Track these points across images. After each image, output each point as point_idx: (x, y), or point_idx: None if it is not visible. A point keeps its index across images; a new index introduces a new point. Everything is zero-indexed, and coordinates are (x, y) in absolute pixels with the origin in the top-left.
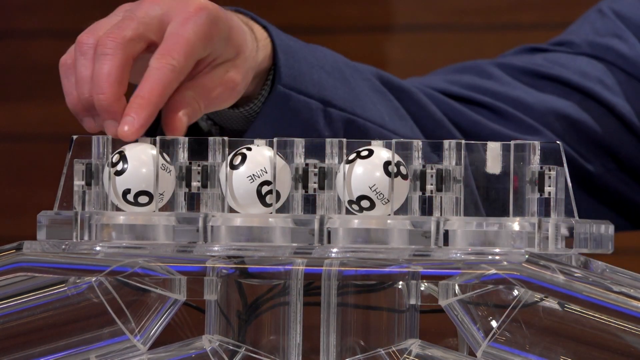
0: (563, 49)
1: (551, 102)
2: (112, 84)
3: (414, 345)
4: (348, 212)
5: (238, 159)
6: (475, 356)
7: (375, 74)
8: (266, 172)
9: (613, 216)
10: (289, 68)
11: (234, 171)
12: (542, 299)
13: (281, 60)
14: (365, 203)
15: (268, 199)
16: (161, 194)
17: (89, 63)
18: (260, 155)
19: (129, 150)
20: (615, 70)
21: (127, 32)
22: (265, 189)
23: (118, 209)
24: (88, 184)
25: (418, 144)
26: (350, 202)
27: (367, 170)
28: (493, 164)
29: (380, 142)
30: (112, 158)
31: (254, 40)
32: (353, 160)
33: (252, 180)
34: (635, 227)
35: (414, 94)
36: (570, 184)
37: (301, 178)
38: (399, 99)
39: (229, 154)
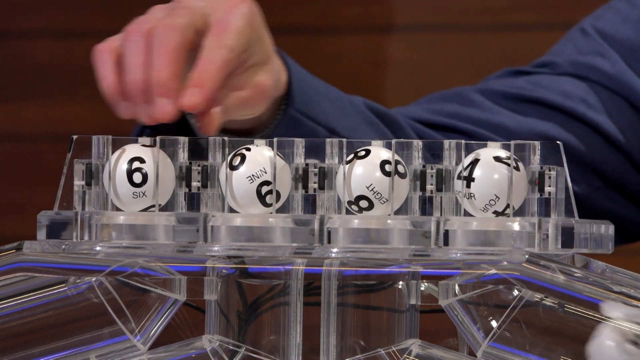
0: (546, 70)
1: (533, 124)
2: (171, 62)
3: (414, 345)
4: (348, 212)
5: (237, 160)
6: (475, 356)
7: (365, 104)
8: (266, 172)
9: None
10: (302, 94)
11: (234, 172)
12: (542, 299)
13: (295, 84)
14: (363, 203)
15: (268, 199)
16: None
17: (141, 50)
18: (260, 156)
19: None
20: (598, 88)
21: (180, 19)
22: (265, 189)
23: (118, 209)
24: (88, 184)
25: (418, 144)
26: (350, 202)
27: (364, 170)
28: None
29: (380, 142)
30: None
31: (277, 59)
32: (351, 161)
33: (251, 181)
34: (626, 241)
35: (401, 125)
36: (570, 184)
37: (301, 178)
38: (389, 128)
39: (228, 154)
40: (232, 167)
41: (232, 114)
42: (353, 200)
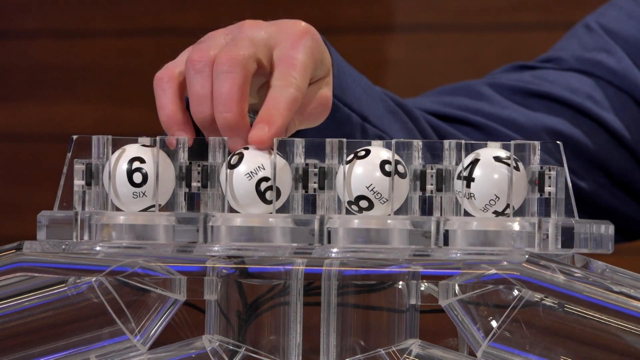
0: (551, 65)
1: (542, 119)
2: (238, 101)
3: (414, 345)
4: (348, 212)
5: (236, 159)
6: (475, 356)
7: (384, 93)
8: (264, 169)
9: None
10: (339, 80)
11: (233, 170)
12: (542, 299)
13: (334, 72)
14: (363, 203)
15: (268, 195)
16: None
17: (206, 81)
18: (258, 154)
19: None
20: (604, 84)
21: (243, 51)
22: (264, 185)
23: (118, 209)
24: (88, 184)
25: (418, 144)
26: (350, 202)
27: (364, 170)
28: None
29: (380, 142)
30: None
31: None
32: (351, 161)
33: (250, 178)
34: (627, 239)
35: (416, 116)
36: (570, 184)
37: (301, 178)
38: (409, 118)
39: (229, 154)
40: (231, 166)
41: (295, 129)
42: (353, 200)
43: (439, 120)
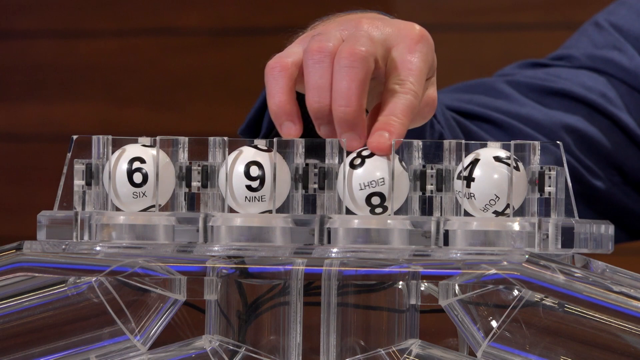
0: (563, 63)
1: (560, 117)
2: (358, 97)
3: (414, 345)
4: (348, 212)
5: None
6: (475, 356)
7: None
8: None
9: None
10: None
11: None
12: (542, 299)
13: None
14: (375, 200)
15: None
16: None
17: (326, 72)
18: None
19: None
20: (616, 82)
21: (365, 47)
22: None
23: (118, 209)
24: (88, 184)
25: (418, 144)
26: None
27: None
28: None
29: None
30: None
31: None
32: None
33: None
34: (632, 238)
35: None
36: (570, 184)
37: (301, 178)
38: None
39: (229, 154)
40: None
41: (404, 133)
42: (365, 202)
43: (461, 117)
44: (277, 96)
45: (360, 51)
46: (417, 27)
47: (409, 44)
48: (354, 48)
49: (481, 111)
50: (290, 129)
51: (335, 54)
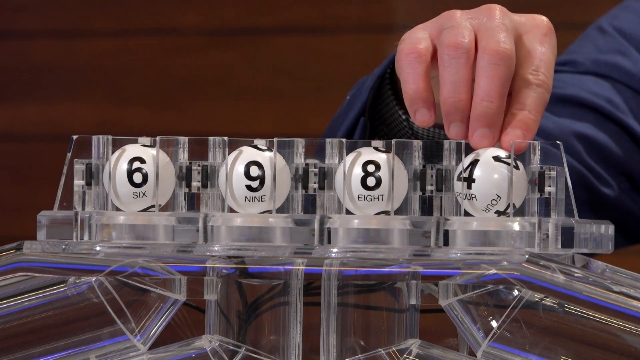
0: (567, 68)
1: (569, 125)
2: (501, 95)
3: (414, 345)
4: (348, 212)
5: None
6: (475, 356)
7: None
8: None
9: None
10: None
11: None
12: (542, 299)
13: None
14: (371, 167)
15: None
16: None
17: (463, 68)
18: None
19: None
20: (621, 88)
21: (509, 45)
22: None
23: (118, 209)
24: (88, 184)
25: (418, 144)
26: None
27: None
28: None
29: (380, 142)
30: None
31: None
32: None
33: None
34: (632, 242)
35: None
36: (570, 184)
37: (301, 178)
38: None
39: (229, 154)
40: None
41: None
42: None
43: None
44: (416, 82)
45: (506, 49)
46: (546, 19)
47: (540, 35)
48: (499, 45)
49: None
50: (424, 116)
51: (471, 49)
